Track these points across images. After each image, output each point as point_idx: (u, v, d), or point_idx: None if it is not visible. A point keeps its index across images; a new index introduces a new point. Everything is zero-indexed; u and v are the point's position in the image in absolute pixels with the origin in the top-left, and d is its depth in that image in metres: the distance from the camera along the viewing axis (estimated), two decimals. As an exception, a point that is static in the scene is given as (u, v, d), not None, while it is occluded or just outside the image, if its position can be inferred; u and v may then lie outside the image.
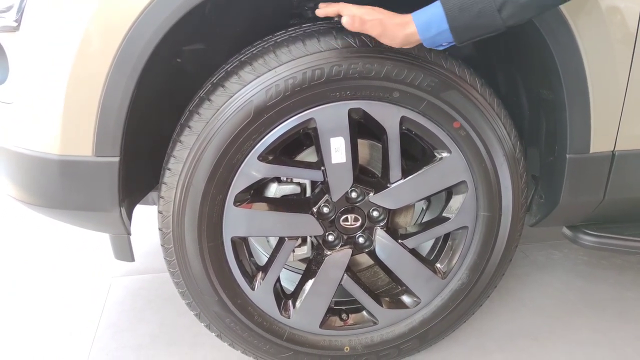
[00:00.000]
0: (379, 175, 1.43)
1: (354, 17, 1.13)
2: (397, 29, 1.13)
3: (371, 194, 1.36)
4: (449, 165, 1.34)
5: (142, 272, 2.11)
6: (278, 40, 1.23)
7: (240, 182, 1.26)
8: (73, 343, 1.70)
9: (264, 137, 1.23)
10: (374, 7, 1.16)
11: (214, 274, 1.32)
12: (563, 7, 1.22)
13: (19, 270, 2.17)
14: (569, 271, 2.14)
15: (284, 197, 1.39)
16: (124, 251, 1.41)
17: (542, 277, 2.09)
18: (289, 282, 1.61)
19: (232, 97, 1.19)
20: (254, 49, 1.25)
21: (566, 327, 1.78)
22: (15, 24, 1.17)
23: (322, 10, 1.20)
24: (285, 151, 1.37)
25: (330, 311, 1.48)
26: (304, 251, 1.43)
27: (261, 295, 1.38)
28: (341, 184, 1.32)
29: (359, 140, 1.37)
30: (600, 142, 1.37)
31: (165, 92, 1.40)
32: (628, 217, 1.62)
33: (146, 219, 2.29)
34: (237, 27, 1.47)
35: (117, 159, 1.21)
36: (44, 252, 2.32)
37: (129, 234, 1.37)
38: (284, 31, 1.27)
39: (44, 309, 1.89)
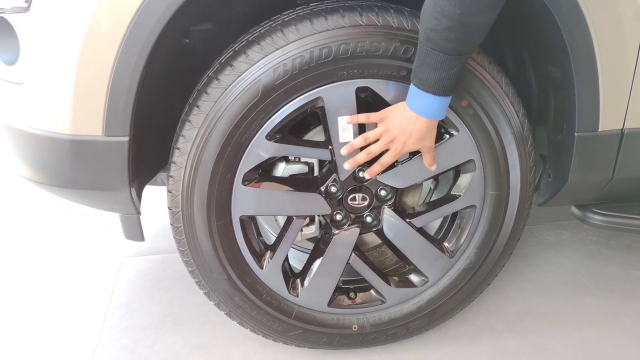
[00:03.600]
0: (387, 155, 1.43)
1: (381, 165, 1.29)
2: (408, 132, 1.21)
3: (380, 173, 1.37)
4: (457, 143, 1.34)
5: (152, 252, 2.14)
6: (286, 19, 1.23)
7: (248, 162, 1.27)
8: (84, 322, 1.73)
9: (272, 116, 1.23)
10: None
11: (223, 252, 1.33)
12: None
13: (30, 250, 2.20)
14: (578, 251, 2.14)
15: (292, 176, 1.40)
16: (134, 231, 1.43)
17: (551, 257, 2.10)
18: (297, 261, 1.62)
19: (240, 76, 1.19)
20: (261, 28, 1.25)
21: (574, 307, 1.79)
22: (25, 5, 1.18)
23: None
24: (293, 131, 1.38)
25: (339, 290, 1.49)
26: (312, 230, 1.44)
27: (270, 273, 1.40)
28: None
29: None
30: (609, 120, 1.37)
31: (174, 72, 1.40)
32: (638, 196, 1.62)
33: (156, 199, 2.32)
34: (246, 6, 1.47)
35: (126, 139, 1.22)
36: (55, 233, 2.34)
37: (138, 213, 1.39)
38: (291, 10, 1.27)
39: (56, 289, 1.92)
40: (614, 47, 1.28)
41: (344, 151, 1.27)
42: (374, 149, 1.26)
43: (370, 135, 1.25)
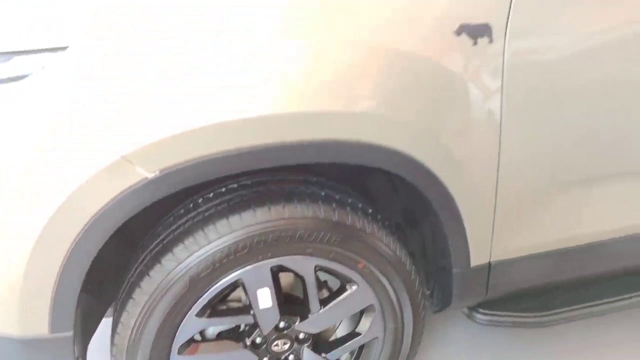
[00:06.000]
0: (303, 299, 1.67)
1: None
2: None
3: (297, 323, 1.60)
4: (359, 294, 1.59)
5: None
6: (206, 215, 1.44)
7: (182, 337, 1.47)
8: None
9: (199, 298, 1.44)
10: None
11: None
12: (427, 161, 1.46)
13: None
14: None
15: (220, 334, 1.61)
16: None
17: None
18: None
19: (169, 273, 1.39)
20: (183, 225, 1.45)
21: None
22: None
23: None
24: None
25: None
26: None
27: None
28: (269, 322, 1.55)
29: (283, 273, 1.60)
30: (477, 258, 1.67)
31: (114, 262, 1.56)
32: (513, 296, 1.95)
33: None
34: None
35: (70, 333, 1.39)
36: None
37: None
38: (209, 204, 1.48)
39: None
40: (474, 208, 1.59)
41: None
42: None
43: None
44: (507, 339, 2.30)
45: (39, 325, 1.37)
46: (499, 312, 1.92)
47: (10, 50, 1.24)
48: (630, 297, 1.99)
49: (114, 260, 1.58)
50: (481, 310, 1.92)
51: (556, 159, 1.60)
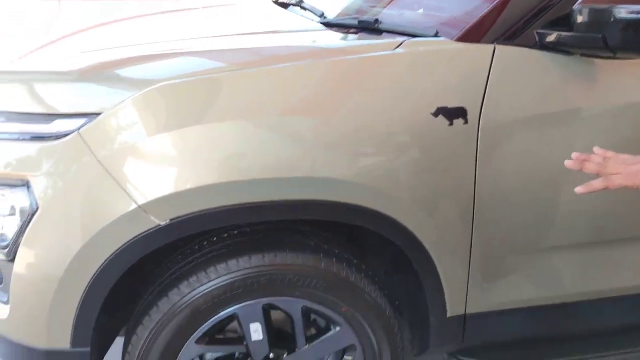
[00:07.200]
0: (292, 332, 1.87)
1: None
2: None
3: (285, 355, 1.81)
4: (341, 334, 1.78)
5: None
6: (209, 256, 1.67)
7: (183, 359, 1.69)
8: None
9: (199, 328, 1.66)
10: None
11: None
12: (408, 224, 1.67)
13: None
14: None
15: (219, 358, 1.83)
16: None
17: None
18: None
19: (174, 305, 1.62)
20: (188, 265, 1.68)
21: None
22: (8, 257, 1.57)
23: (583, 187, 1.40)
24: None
25: None
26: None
27: None
28: (260, 353, 1.76)
29: (274, 311, 1.81)
30: (453, 309, 1.84)
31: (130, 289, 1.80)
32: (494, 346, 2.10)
33: None
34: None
35: (87, 349, 1.63)
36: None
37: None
38: (212, 247, 1.71)
39: None
40: (450, 266, 1.76)
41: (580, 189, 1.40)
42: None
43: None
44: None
45: (62, 340, 1.61)
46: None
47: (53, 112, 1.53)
48: (616, 354, 2.11)
49: (130, 288, 1.82)
50: (460, 356, 2.08)
51: (523, 227, 1.77)
